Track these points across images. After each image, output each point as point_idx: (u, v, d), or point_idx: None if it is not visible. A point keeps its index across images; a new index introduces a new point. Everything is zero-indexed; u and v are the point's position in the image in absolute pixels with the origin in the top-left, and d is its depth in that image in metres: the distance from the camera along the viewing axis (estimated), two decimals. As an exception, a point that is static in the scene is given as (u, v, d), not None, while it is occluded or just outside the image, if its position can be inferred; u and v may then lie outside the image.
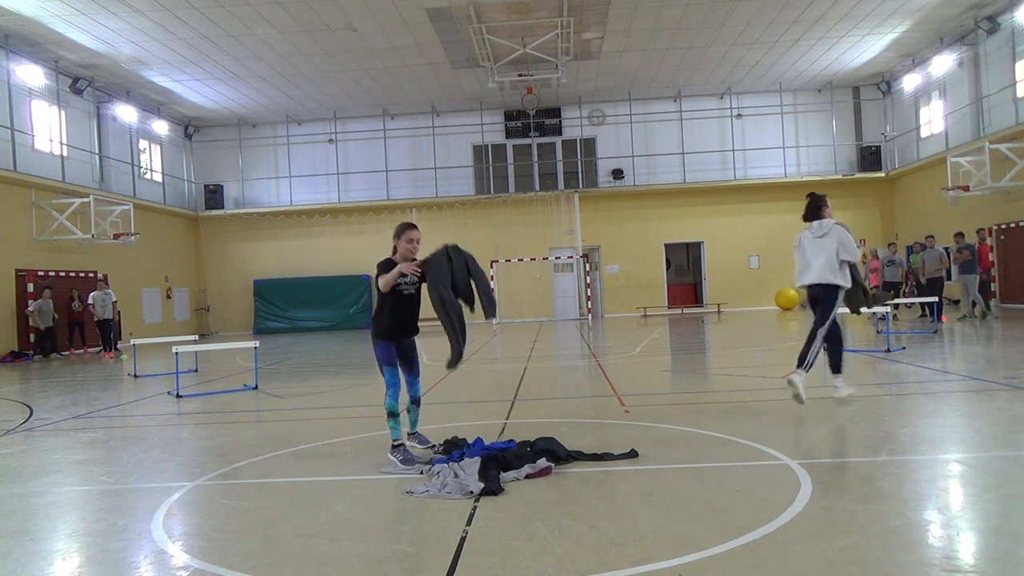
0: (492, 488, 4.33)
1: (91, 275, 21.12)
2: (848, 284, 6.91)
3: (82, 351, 19.75)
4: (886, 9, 19.38)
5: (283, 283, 27.47)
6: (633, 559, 3.22)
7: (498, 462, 4.71)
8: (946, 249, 17.74)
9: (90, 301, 17.81)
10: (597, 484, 4.50)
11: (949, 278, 18.22)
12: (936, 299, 15.30)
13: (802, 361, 6.83)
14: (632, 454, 5.09)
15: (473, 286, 5.37)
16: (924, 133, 24.72)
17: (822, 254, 6.96)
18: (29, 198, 19.52)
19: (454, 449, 5.25)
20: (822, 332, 6.90)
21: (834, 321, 6.99)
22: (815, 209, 7.23)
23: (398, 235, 5.40)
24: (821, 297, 6.97)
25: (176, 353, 9.94)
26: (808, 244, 7.14)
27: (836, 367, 7.11)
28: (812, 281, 7.02)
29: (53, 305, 18.53)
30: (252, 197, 28.25)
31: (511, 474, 4.61)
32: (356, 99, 25.66)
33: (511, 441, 5.32)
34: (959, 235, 17.02)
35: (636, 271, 27.00)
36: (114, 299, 18.09)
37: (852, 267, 6.94)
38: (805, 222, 7.31)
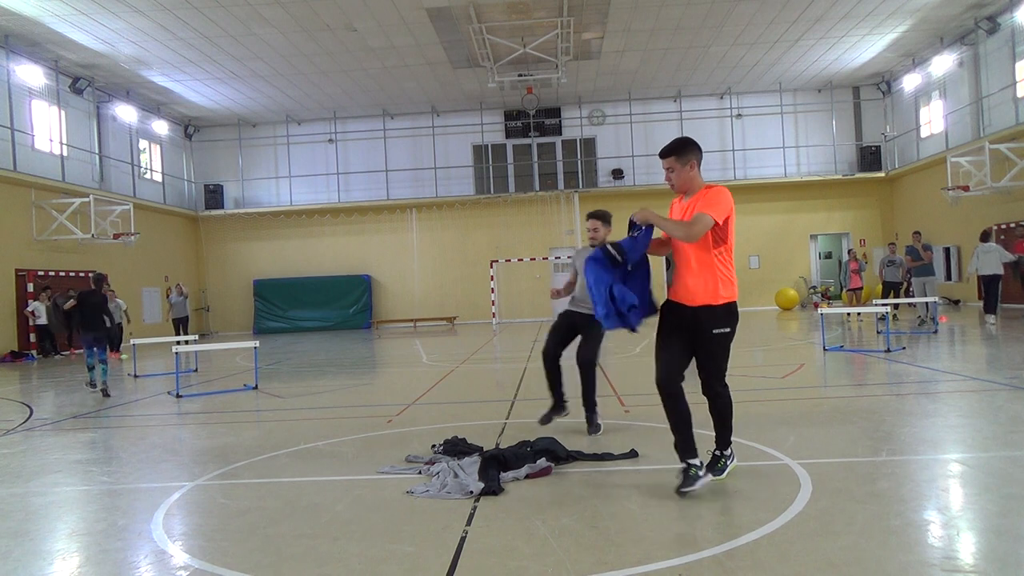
0: (492, 488, 4.33)
1: (91, 275, 21.07)
2: (1001, 272, 14.52)
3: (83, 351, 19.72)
4: (886, 9, 19.37)
5: (283, 283, 27.47)
6: (633, 559, 3.22)
7: (498, 462, 4.71)
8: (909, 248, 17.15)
9: None
10: (597, 484, 4.50)
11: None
12: (935, 299, 15.29)
13: (990, 309, 14.51)
14: (632, 454, 5.09)
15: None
16: (924, 133, 24.72)
17: (992, 258, 14.38)
18: (29, 198, 19.52)
19: (454, 449, 5.26)
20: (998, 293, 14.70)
21: (996, 286, 14.58)
22: (988, 235, 14.84)
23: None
24: (989, 281, 14.54)
25: (176, 353, 9.94)
26: (982, 254, 14.50)
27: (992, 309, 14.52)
28: (988, 272, 14.46)
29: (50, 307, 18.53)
30: (252, 197, 28.25)
31: (511, 474, 4.61)
32: (356, 99, 25.65)
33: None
34: (916, 234, 16.84)
35: (636, 271, 26.94)
36: (124, 307, 18.34)
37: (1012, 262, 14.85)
38: (981, 241, 14.74)
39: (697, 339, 4.22)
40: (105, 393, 9.91)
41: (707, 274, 4.14)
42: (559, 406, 6.10)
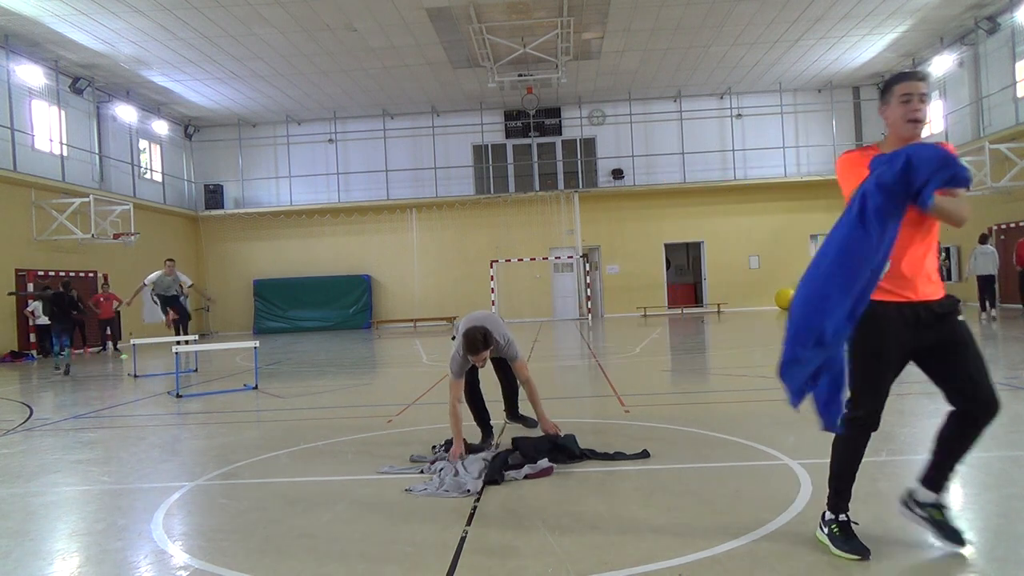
0: (493, 477, 4.39)
1: (91, 275, 21.14)
2: (995, 273, 16.05)
3: (82, 351, 19.73)
4: (886, 9, 19.36)
5: (283, 283, 27.47)
6: (633, 559, 3.22)
7: (505, 461, 4.77)
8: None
9: (146, 282, 14.92)
10: (597, 484, 4.50)
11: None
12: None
13: (986, 306, 16.12)
14: (644, 454, 5.07)
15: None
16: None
17: (988, 260, 16.06)
18: (29, 198, 19.51)
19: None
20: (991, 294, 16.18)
21: (992, 285, 16.14)
22: (986, 238, 16.59)
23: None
24: (985, 281, 16.11)
25: (176, 353, 9.94)
26: (980, 255, 16.13)
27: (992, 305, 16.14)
28: (984, 273, 16.07)
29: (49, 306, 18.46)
30: (252, 197, 28.24)
31: (511, 474, 4.62)
32: (356, 99, 25.65)
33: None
34: None
35: (636, 271, 26.98)
36: (190, 283, 15.76)
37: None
38: (980, 243, 16.36)
39: (948, 339, 3.17)
40: (67, 372, 13.00)
41: (935, 258, 3.21)
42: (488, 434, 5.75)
